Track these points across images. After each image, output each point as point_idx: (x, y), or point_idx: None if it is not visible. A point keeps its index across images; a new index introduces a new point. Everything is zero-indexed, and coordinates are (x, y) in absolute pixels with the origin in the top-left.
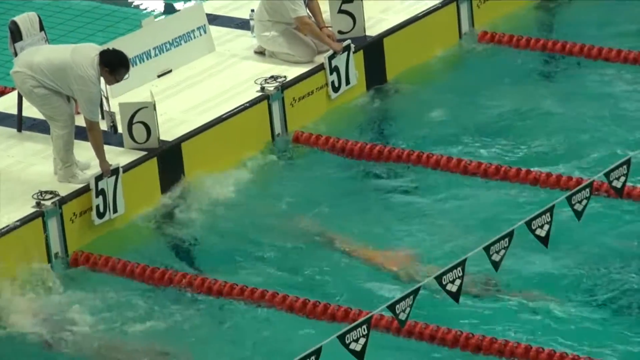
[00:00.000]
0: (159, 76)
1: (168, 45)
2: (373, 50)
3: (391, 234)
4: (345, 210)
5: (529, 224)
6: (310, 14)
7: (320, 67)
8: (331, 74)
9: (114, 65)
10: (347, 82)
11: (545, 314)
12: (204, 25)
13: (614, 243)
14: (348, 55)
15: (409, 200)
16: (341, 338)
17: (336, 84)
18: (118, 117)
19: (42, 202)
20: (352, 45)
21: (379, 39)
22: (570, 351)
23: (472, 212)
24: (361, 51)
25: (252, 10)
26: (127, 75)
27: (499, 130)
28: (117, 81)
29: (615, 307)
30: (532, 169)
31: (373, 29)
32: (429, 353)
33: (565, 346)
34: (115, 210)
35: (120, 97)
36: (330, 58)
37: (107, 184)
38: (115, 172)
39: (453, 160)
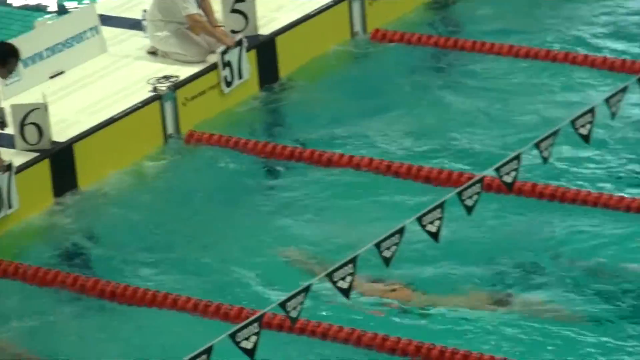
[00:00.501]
0: (51, 77)
1: (60, 47)
2: (265, 49)
3: (285, 231)
4: (239, 208)
5: (419, 219)
6: (202, 14)
7: (213, 67)
8: (224, 68)
9: (4, 55)
10: (240, 77)
11: (436, 312)
12: (96, 26)
13: (507, 238)
14: (240, 49)
15: (301, 197)
16: (232, 336)
17: (229, 79)
18: (8, 112)
19: None
20: (245, 39)
21: (272, 38)
22: (462, 348)
23: (364, 209)
24: (254, 50)
25: (145, 11)
26: (18, 77)
27: (390, 128)
28: (10, 73)
29: (514, 300)
30: (423, 166)
31: (265, 28)
32: (321, 350)
33: (454, 343)
34: (10, 206)
35: (12, 98)
36: (223, 53)
37: (1, 180)
38: (8, 167)
39: (345, 157)
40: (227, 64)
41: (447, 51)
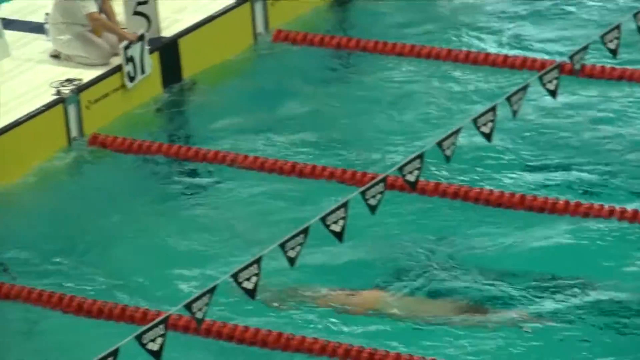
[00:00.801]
0: None
1: None
2: (168, 51)
3: (190, 232)
4: (143, 209)
5: (323, 219)
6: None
7: (116, 69)
8: (127, 63)
9: None
10: (143, 71)
11: (338, 310)
12: None
13: (410, 237)
14: (142, 44)
15: (205, 198)
16: (138, 338)
17: (132, 74)
18: None
19: None
20: (146, 34)
21: (174, 40)
22: (366, 346)
23: (269, 209)
24: (157, 52)
25: (47, 14)
26: None
27: (294, 127)
28: None
29: (420, 294)
30: (327, 166)
31: (168, 30)
32: (228, 352)
33: (362, 342)
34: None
35: None
36: (126, 48)
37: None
38: (141, 37)
39: (249, 158)
40: (130, 59)
41: (349, 51)
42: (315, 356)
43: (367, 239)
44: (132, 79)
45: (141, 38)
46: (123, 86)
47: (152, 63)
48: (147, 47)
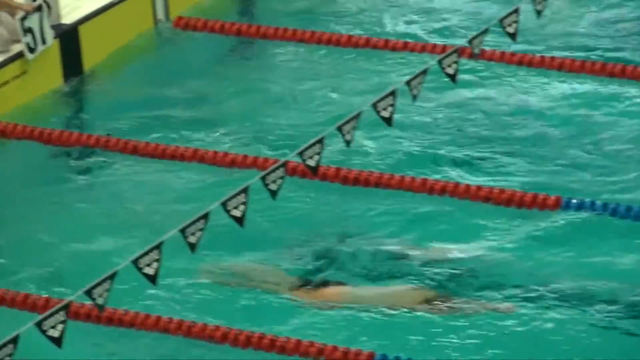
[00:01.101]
0: None
1: None
2: (69, 39)
3: (92, 219)
4: (46, 197)
5: (224, 204)
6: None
7: (16, 57)
8: (25, 35)
9: None
10: (44, 42)
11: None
12: None
13: (311, 222)
14: (41, 15)
15: (108, 185)
16: (38, 325)
17: (32, 45)
18: None
19: None
20: (45, 5)
21: (74, 27)
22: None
23: (171, 195)
24: (57, 39)
25: None
26: None
27: (194, 114)
28: None
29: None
30: (228, 152)
31: (69, 17)
32: (129, 338)
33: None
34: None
35: None
36: (23, 19)
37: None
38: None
39: (151, 145)
40: (29, 31)
41: (249, 38)
42: (216, 342)
43: (268, 224)
44: (32, 50)
45: (39, 9)
46: (24, 73)
47: (53, 33)
48: (46, 18)
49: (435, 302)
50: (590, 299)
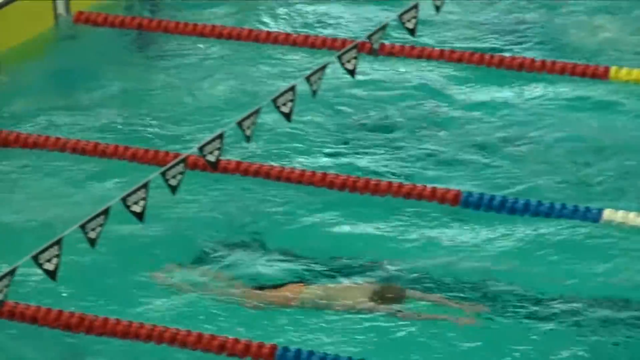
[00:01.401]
0: None
1: None
2: None
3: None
4: None
5: (124, 200)
6: None
7: None
8: None
9: None
10: None
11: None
12: None
13: (221, 216)
14: None
15: (8, 181)
16: None
17: None
18: None
19: None
20: None
21: None
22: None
23: (72, 190)
24: None
25: None
26: None
27: (95, 108)
28: None
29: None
30: (130, 146)
31: None
32: (28, 334)
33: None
34: None
35: None
36: None
37: None
38: None
39: (51, 139)
40: None
41: (151, 33)
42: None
43: (170, 219)
44: None
45: None
46: None
47: None
48: None
49: (381, 300)
50: (544, 304)
